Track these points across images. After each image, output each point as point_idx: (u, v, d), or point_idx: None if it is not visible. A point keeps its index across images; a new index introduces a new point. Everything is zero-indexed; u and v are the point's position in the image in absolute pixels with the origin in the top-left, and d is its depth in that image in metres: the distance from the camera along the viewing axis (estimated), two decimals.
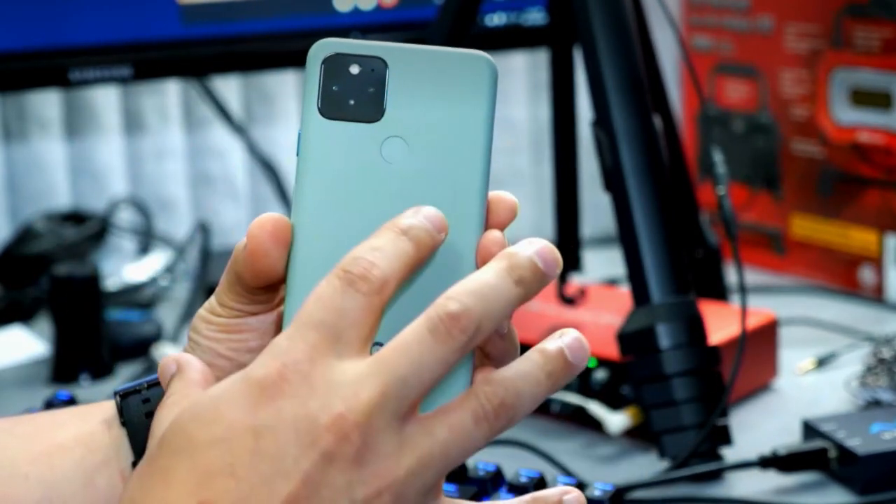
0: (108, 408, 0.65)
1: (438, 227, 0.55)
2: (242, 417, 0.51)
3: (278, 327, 0.61)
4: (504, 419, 0.54)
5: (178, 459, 0.52)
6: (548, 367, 0.55)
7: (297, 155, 0.58)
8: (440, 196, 0.57)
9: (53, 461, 0.62)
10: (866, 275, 1.34)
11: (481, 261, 0.57)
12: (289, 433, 0.51)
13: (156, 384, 0.64)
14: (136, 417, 0.63)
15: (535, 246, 0.56)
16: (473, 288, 0.53)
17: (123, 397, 0.64)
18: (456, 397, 0.53)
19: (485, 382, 0.54)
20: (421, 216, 0.55)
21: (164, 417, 0.56)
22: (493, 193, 0.59)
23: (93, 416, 0.64)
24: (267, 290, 0.61)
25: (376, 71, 0.58)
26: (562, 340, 0.56)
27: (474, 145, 0.58)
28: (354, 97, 0.58)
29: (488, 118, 0.58)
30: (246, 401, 0.51)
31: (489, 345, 0.58)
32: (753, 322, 1.07)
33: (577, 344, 0.56)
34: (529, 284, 0.55)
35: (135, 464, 0.62)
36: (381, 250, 0.54)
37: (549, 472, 0.91)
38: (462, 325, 0.52)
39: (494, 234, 0.58)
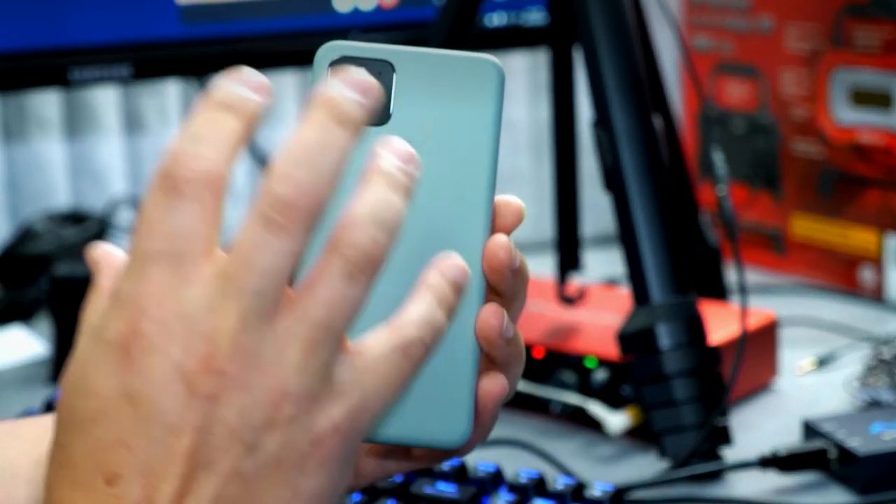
0: None
1: (255, 86, 0.50)
2: (112, 385, 0.48)
3: None
4: (376, 263, 0.50)
5: (72, 436, 0.49)
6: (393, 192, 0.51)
7: None
8: (447, 200, 0.57)
9: None
10: (866, 275, 1.34)
11: (487, 266, 0.56)
12: (163, 390, 0.48)
13: None
14: None
15: (338, 80, 0.50)
16: (298, 156, 0.49)
17: None
18: (317, 262, 0.49)
19: (342, 230, 0.50)
20: (234, 81, 0.50)
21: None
22: (499, 197, 0.58)
23: None
24: None
25: (383, 74, 0.58)
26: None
27: (481, 149, 0.58)
28: None
29: (495, 122, 0.58)
30: (109, 366, 0.48)
31: (494, 350, 0.57)
32: (753, 322, 1.07)
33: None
34: (353, 121, 0.50)
35: None
36: (202, 137, 0.49)
37: (550, 472, 0.91)
38: (301, 210, 0.48)
39: (501, 238, 0.57)
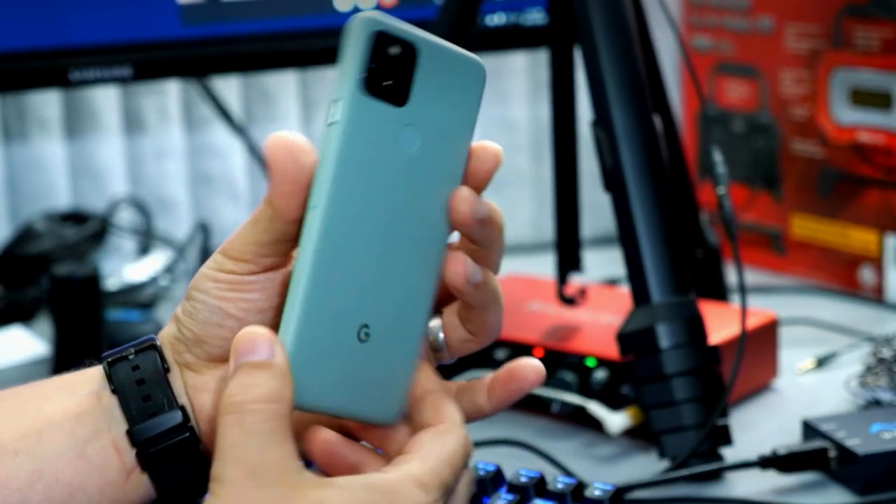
0: (94, 376, 0.64)
1: None
2: None
3: (285, 287, 0.61)
4: None
5: None
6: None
7: (329, 123, 0.59)
8: (436, 187, 0.60)
9: (43, 435, 0.62)
10: (866, 275, 1.34)
11: (453, 219, 0.60)
12: None
13: (142, 350, 0.63)
14: (127, 384, 0.62)
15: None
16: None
17: (111, 364, 0.63)
18: None
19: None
20: None
21: (230, 423, 0.56)
22: (476, 143, 0.62)
23: (80, 387, 0.64)
24: (281, 243, 0.61)
25: (410, 58, 0.60)
26: None
27: (464, 142, 0.61)
28: (390, 78, 0.59)
29: (475, 119, 0.62)
30: None
31: (465, 295, 0.61)
32: (753, 322, 1.07)
33: None
34: None
35: (128, 432, 0.62)
36: None
37: (549, 472, 0.91)
38: None
39: (463, 191, 0.60)
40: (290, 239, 0.61)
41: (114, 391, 0.63)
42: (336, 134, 0.58)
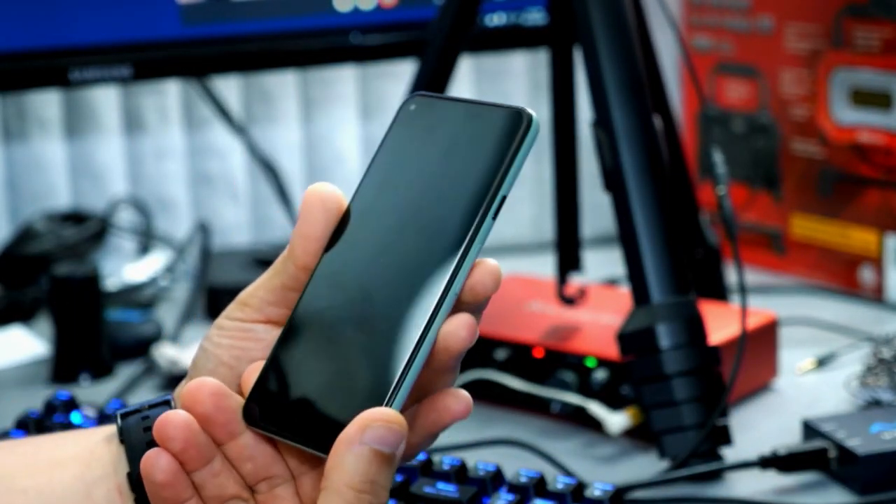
0: (111, 427, 0.66)
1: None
2: None
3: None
4: None
5: None
6: None
7: (493, 216, 0.58)
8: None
9: (53, 476, 0.63)
10: (866, 275, 1.34)
11: (452, 336, 0.58)
12: None
13: (157, 405, 0.64)
14: (135, 435, 0.64)
15: None
16: None
17: (124, 417, 0.64)
18: None
19: None
20: None
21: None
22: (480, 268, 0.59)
23: (94, 435, 0.66)
24: (289, 291, 0.61)
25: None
26: None
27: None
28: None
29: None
30: None
31: (453, 360, 0.58)
32: (753, 322, 1.07)
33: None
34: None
35: (129, 475, 0.63)
36: None
37: (549, 472, 0.91)
38: None
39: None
40: (299, 289, 0.61)
41: (122, 440, 0.64)
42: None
